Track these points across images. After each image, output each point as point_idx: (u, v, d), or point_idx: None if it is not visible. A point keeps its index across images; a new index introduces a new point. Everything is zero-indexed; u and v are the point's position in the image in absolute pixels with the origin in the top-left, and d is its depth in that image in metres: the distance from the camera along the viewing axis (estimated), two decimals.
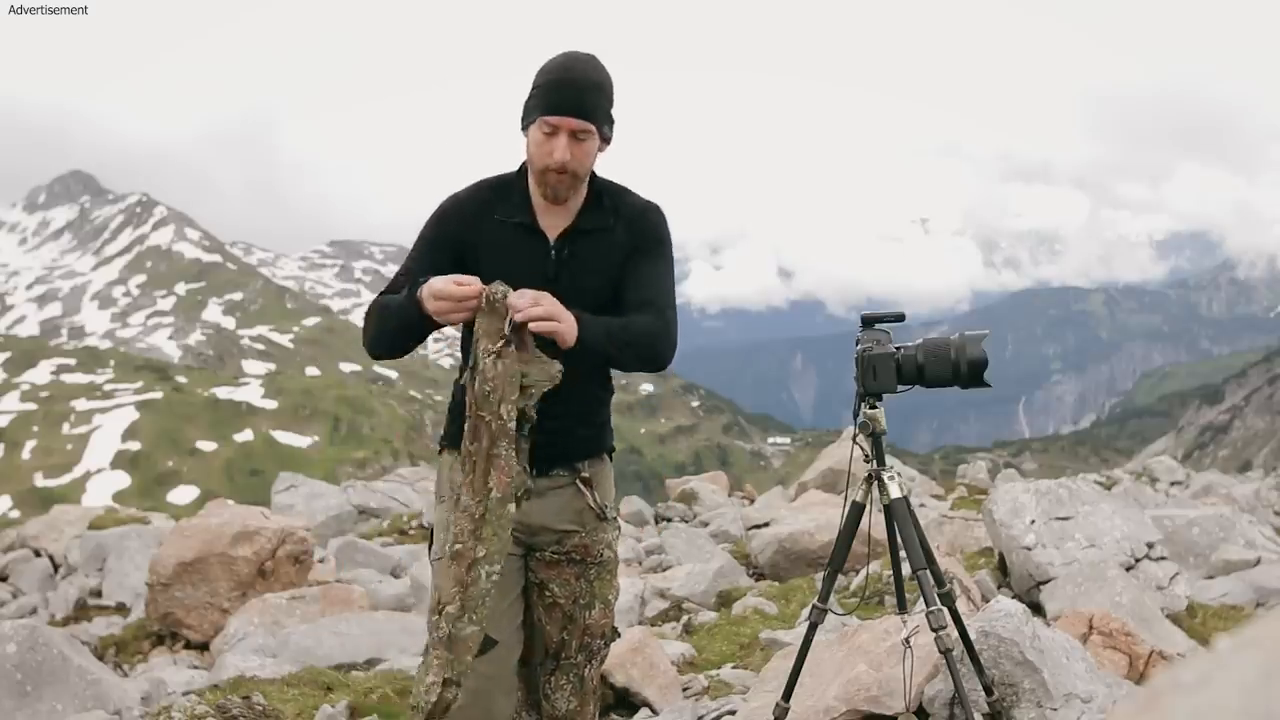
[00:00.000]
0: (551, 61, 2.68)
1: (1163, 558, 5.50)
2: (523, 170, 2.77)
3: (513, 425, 2.47)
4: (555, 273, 2.69)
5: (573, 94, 2.62)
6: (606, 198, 2.77)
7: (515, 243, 2.71)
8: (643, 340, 2.64)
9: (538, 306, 2.43)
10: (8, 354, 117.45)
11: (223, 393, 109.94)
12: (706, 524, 11.14)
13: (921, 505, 9.98)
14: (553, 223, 2.73)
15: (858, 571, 5.80)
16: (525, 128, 2.70)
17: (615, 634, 2.99)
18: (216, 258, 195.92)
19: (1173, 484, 17.28)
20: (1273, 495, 15.53)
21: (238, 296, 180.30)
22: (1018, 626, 3.33)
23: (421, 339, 2.66)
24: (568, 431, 2.75)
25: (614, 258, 2.74)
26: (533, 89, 2.67)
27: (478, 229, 2.73)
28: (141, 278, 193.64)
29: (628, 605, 6.43)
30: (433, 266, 2.62)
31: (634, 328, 2.63)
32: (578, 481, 2.79)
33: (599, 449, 2.87)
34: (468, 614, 2.48)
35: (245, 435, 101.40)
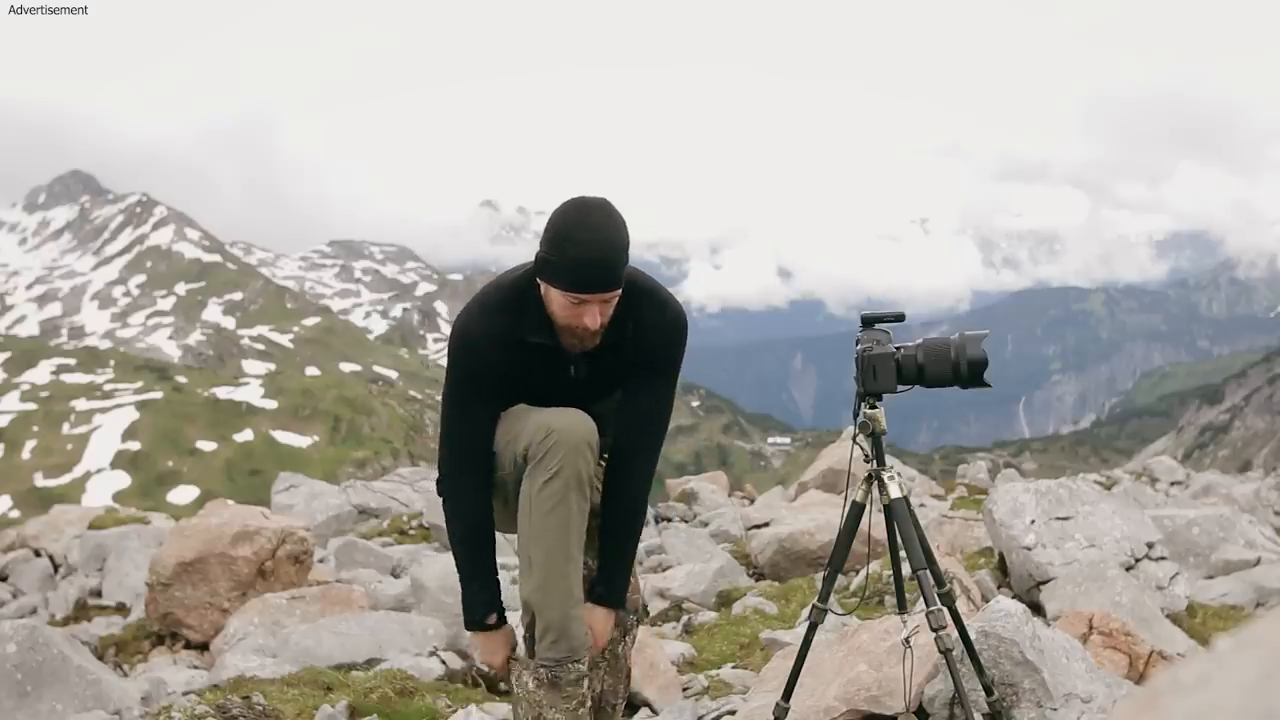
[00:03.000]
0: (570, 227, 2.63)
1: (1163, 558, 5.50)
2: (533, 282, 2.78)
3: None
4: (574, 387, 2.88)
5: (603, 271, 2.63)
6: (626, 308, 2.78)
7: (537, 362, 2.82)
8: (641, 520, 3.06)
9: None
10: (8, 354, 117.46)
11: (223, 393, 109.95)
12: (706, 524, 11.14)
13: (921, 505, 9.97)
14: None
15: (858, 571, 5.80)
16: (542, 279, 2.71)
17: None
18: (216, 258, 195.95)
19: (1173, 484, 17.28)
20: (1273, 495, 15.52)
21: (238, 296, 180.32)
22: (1018, 626, 3.33)
23: None
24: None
25: (625, 368, 2.91)
26: (552, 253, 2.64)
27: (500, 357, 2.80)
28: (141, 278, 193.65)
29: None
30: (485, 419, 2.84)
31: (638, 524, 3.03)
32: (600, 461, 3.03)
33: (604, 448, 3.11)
34: None
35: (245, 435, 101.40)
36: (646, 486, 3.02)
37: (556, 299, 2.67)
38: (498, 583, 2.92)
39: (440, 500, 2.95)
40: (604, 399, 3.02)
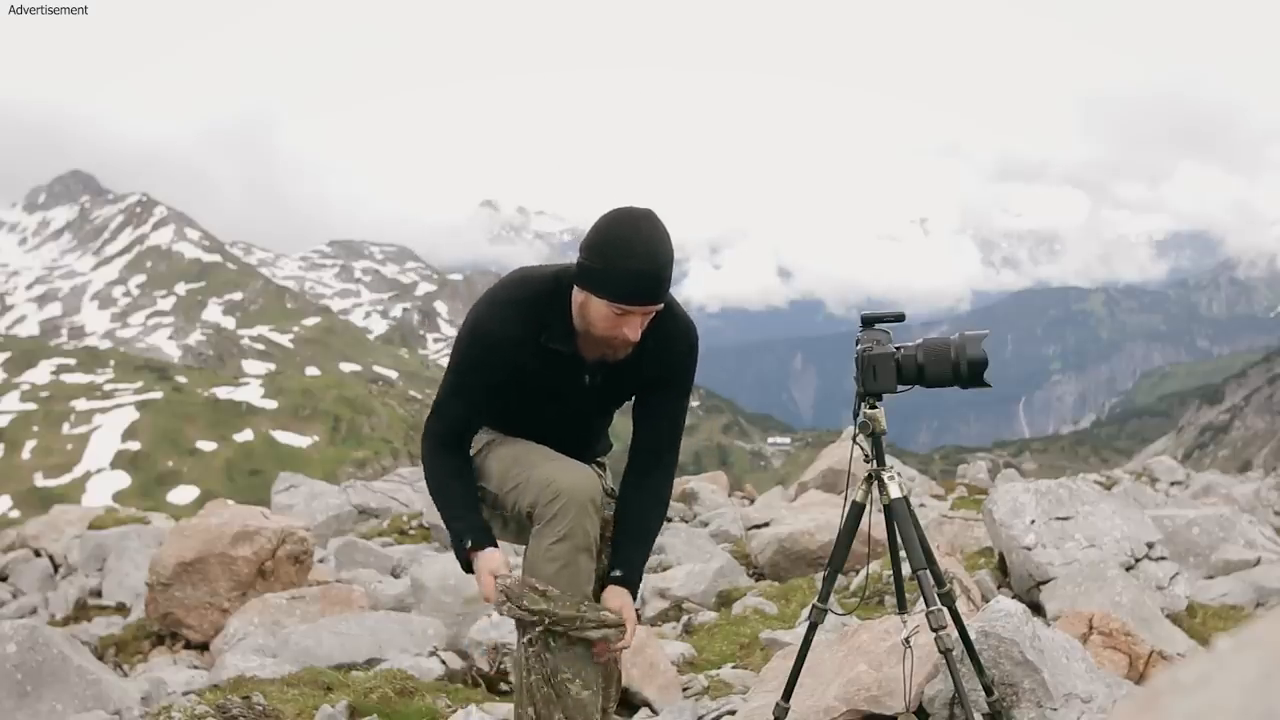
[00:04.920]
0: (622, 238, 2.60)
1: (1163, 558, 5.50)
2: (560, 287, 2.76)
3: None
4: (588, 395, 2.89)
5: (654, 284, 2.62)
6: (649, 323, 2.78)
7: (556, 369, 2.82)
8: (659, 524, 3.07)
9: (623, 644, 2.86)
10: (8, 354, 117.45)
11: (223, 393, 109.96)
12: (706, 524, 11.14)
13: (921, 505, 9.97)
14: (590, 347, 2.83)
15: (858, 571, 5.80)
16: (584, 288, 2.68)
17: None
18: (216, 258, 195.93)
19: (1173, 484, 17.29)
20: (1273, 495, 15.52)
21: (238, 296, 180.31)
22: (1018, 626, 3.33)
23: None
24: (595, 443, 3.11)
25: (639, 380, 2.92)
26: (601, 263, 2.61)
27: (518, 357, 2.79)
28: (141, 278, 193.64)
29: None
30: (475, 404, 2.87)
31: (654, 529, 3.02)
32: (594, 466, 3.06)
33: (605, 450, 3.17)
34: None
35: (245, 435, 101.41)
36: (666, 494, 3.04)
37: (598, 309, 2.65)
38: (477, 513, 2.86)
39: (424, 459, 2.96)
40: (611, 409, 3.05)
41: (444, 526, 2.92)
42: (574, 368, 2.83)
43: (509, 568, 2.82)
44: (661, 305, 2.68)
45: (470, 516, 2.85)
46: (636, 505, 2.98)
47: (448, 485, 2.88)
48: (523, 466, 2.83)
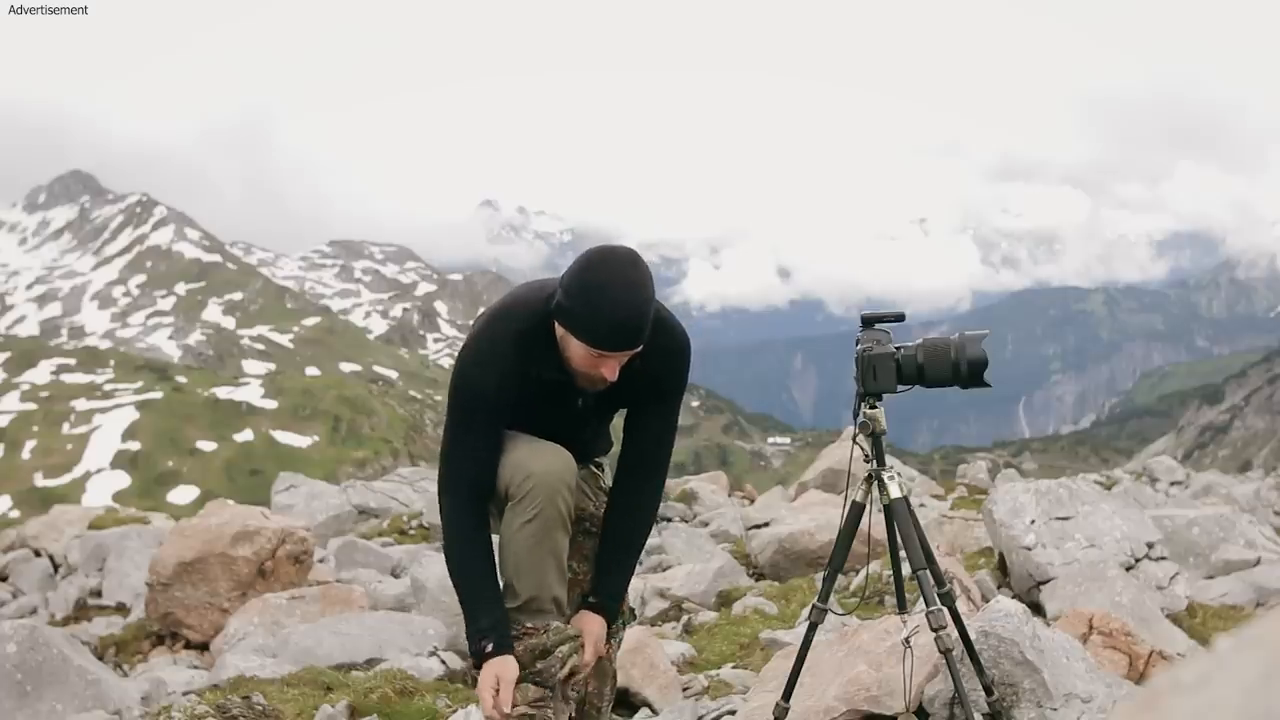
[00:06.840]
0: (602, 285, 2.57)
1: (1163, 558, 5.50)
2: (549, 316, 2.74)
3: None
4: (582, 415, 2.92)
5: (634, 333, 2.61)
6: None
7: (548, 396, 2.83)
8: (644, 542, 3.10)
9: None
10: (8, 354, 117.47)
11: (223, 393, 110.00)
12: (706, 524, 11.14)
13: (921, 505, 9.98)
14: None
15: (858, 571, 5.80)
16: (563, 326, 2.67)
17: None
18: (216, 258, 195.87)
19: (1173, 484, 17.28)
20: (1273, 495, 15.50)
21: (238, 296, 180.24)
22: (1018, 626, 3.33)
23: None
24: (592, 446, 3.11)
25: (630, 393, 2.90)
26: (579, 306, 2.60)
27: (510, 389, 2.78)
28: (141, 278, 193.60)
29: None
30: (477, 450, 2.79)
31: (638, 549, 3.06)
32: (592, 466, 3.10)
33: (604, 450, 3.17)
34: None
35: (245, 435, 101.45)
36: (654, 507, 3.05)
37: (577, 349, 2.65)
38: (500, 608, 2.79)
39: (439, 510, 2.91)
40: (607, 421, 3.08)
41: (460, 600, 2.81)
42: (565, 393, 2.84)
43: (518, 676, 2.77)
44: (640, 348, 2.67)
45: (496, 612, 2.77)
46: (622, 524, 2.99)
47: (473, 565, 2.78)
48: (504, 453, 2.85)
